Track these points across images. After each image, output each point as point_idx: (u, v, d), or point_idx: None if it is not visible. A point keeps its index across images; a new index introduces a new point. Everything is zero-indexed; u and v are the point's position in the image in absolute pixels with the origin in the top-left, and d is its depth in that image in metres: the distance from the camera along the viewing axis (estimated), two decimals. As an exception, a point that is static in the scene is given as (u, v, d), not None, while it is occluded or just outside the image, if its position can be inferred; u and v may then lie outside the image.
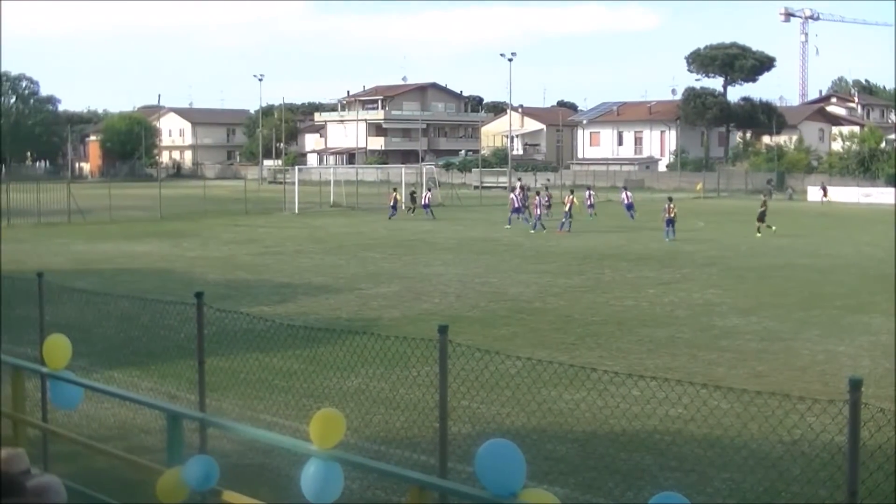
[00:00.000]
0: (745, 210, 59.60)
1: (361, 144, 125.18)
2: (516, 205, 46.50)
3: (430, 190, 58.57)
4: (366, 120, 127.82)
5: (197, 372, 9.07)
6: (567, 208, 44.49)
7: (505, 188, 60.85)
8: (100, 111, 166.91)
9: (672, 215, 39.28)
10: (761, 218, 41.76)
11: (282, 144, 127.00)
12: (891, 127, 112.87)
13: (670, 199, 40.89)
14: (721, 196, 79.96)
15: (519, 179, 65.65)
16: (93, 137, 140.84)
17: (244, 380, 13.28)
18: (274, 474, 9.70)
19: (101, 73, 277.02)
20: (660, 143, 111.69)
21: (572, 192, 47.17)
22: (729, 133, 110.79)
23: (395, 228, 44.96)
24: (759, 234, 40.49)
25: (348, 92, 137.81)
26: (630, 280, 26.27)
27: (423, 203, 54.65)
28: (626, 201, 50.94)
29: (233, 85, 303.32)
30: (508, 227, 44.42)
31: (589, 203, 52.61)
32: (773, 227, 41.05)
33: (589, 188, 56.24)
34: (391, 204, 54.43)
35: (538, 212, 44.10)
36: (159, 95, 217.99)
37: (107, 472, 9.30)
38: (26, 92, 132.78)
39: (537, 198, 45.55)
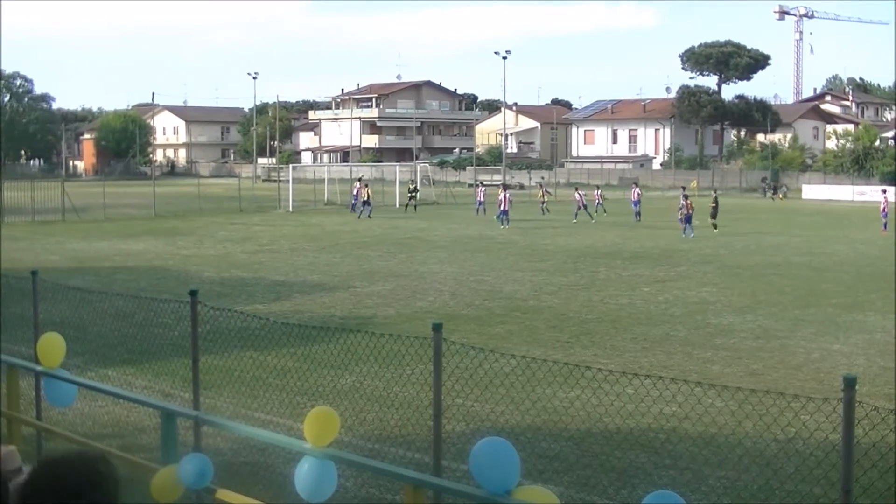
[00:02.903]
0: (741, 208, 59.74)
1: (356, 142, 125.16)
2: (503, 207, 46.05)
3: (506, 190, 47.64)
4: (360, 118, 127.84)
5: (191, 370, 9.06)
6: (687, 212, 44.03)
7: (498, 185, 60.28)
8: (94, 109, 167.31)
9: (690, 211, 40.02)
10: (714, 215, 42.21)
11: (276, 142, 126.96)
12: (886, 125, 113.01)
13: (686, 197, 41.74)
14: (716, 194, 79.99)
15: (503, 182, 65.48)
16: (87, 136, 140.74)
17: (238, 378, 13.27)
18: (268, 472, 9.69)
19: (95, 71, 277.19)
20: (654, 141, 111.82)
21: (686, 196, 44.88)
22: (723, 131, 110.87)
23: (391, 227, 44.94)
24: (716, 231, 40.86)
25: (343, 90, 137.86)
26: (625, 278, 26.28)
27: (502, 209, 45.29)
28: (633, 199, 50.69)
29: (227, 83, 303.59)
30: (503, 227, 44.19)
31: (598, 202, 52.36)
32: (715, 229, 41.27)
33: (636, 185, 55.17)
34: (355, 195, 53.74)
35: (503, 207, 44.76)
36: (153, 93, 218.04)
37: (101, 471, 9.27)
38: (20, 90, 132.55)
39: (503, 192, 46.13)
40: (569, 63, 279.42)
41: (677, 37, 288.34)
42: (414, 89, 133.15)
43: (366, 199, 51.38)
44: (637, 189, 52.01)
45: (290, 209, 56.49)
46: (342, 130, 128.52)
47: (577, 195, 50.12)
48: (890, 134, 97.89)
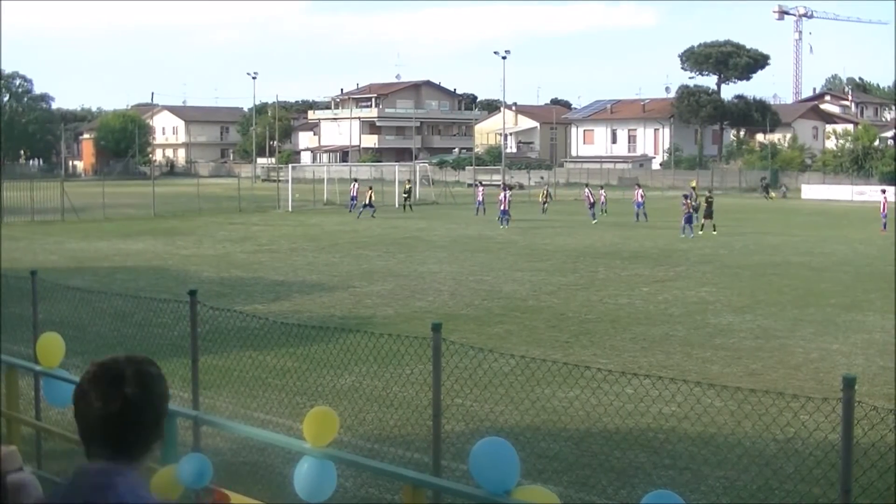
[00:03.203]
0: (740, 208, 59.75)
1: (355, 142, 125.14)
2: (503, 206, 46.01)
3: (509, 189, 48.48)
4: (359, 118, 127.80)
5: (191, 370, 9.06)
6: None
7: (498, 185, 60.17)
8: (94, 109, 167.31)
9: (691, 211, 39.94)
10: (709, 215, 41.66)
11: (275, 142, 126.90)
12: (885, 125, 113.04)
13: (686, 196, 41.63)
14: (715, 194, 79.94)
15: (504, 183, 65.27)
16: (86, 135, 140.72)
17: (238, 378, 13.26)
18: (268, 472, 9.69)
19: (95, 71, 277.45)
20: (654, 141, 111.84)
21: (687, 196, 43.24)
22: (723, 131, 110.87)
23: (390, 227, 44.94)
24: (714, 232, 40.32)
25: (342, 90, 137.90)
26: (624, 278, 26.27)
27: (502, 208, 45.41)
28: (637, 200, 50.15)
29: (227, 83, 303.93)
30: (503, 227, 44.13)
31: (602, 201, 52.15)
32: (714, 230, 40.76)
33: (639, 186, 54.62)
34: (358, 198, 53.71)
35: (503, 207, 44.86)
36: (153, 93, 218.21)
37: (100, 471, 9.26)
38: (20, 90, 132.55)
39: (503, 192, 46.19)
40: (568, 63, 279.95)
41: (677, 37, 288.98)
42: (413, 89, 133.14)
43: (367, 201, 51.26)
44: (640, 190, 51.25)
45: (290, 209, 56.47)
46: (341, 130, 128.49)
47: (586, 191, 50.36)
48: (889, 134, 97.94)
